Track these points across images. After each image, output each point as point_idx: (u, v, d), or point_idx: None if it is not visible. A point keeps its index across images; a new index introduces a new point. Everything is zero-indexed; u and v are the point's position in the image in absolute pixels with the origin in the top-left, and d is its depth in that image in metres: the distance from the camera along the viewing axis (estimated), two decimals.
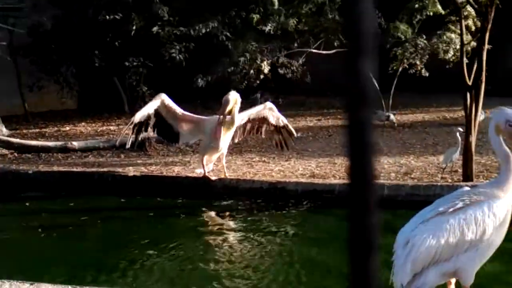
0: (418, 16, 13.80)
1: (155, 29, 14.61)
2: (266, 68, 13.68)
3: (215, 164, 10.45)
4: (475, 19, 11.70)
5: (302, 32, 15.24)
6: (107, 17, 15.33)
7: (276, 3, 13.87)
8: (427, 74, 14.59)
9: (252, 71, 13.63)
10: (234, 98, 9.58)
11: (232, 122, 9.70)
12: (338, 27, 14.28)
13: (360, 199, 0.69)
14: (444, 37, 13.36)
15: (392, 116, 14.19)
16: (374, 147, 0.69)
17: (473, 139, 9.04)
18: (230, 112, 9.58)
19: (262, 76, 13.95)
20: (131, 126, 9.95)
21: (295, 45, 15.01)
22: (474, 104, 8.90)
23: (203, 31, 14.20)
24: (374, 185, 0.68)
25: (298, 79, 15.12)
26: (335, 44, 14.75)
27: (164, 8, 14.62)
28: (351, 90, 0.68)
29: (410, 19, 14.02)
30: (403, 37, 14.46)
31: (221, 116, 9.55)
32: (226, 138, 9.81)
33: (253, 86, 15.70)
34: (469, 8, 10.43)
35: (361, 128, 0.68)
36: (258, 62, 13.57)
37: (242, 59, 13.50)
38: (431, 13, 13.13)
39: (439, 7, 12.64)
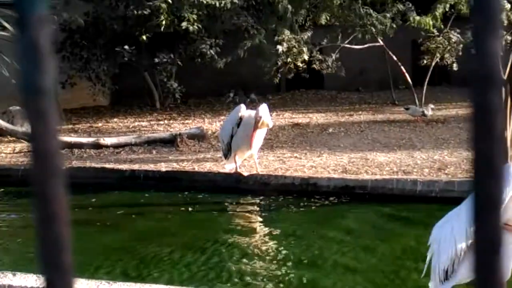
0: (444, 8, 13.62)
1: (184, 24, 14.63)
2: (305, 55, 13.60)
3: (247, 160, 10.45)
4: (509, 13, 11.54)
5: (333, 27, 15.16)
6: (135, 12, 15.40)
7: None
8: (456, 69, 14.40)
9: (289, 59, 13.56)
10: (264, 111, 9.64)
11: (265, 124, 9.78)
12: (369, 22, 14.16)
13: (485, 192, 0.65)
14: None
15: (429, 111, 14.02)
16: (501, 134, 0.65)
17: (508, 133, 8.93)
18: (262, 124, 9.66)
19: (300, 65, 13.89)
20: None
21: (325, 41, 14.92)
22: (509, 99, 8.79)
23: (232, 21, 14.18)
24: (501, 177, 0.64)
25: (332, 73, 15.03)
26: (367, 38, 14.63)
27: (192, 15, 14.60)
28: (479, 72, 0.64)
29: (442, 13, 13.84)
30: (435, 31, 14.31)
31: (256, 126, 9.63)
32: (258, 138, 9.83)
33: (286, 81, 15.67)
34: (504, 1, 10.27)
35: (488, 110, 0.64)
36: (297, 50, 13.50)
37: (280, 48, 13.41)
38: (466, 9, 12.96)
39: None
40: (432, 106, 14.28)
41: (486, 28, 0.64)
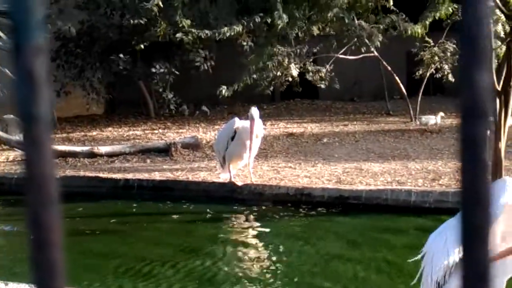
0: (433, 18, 13.65)
1: (179, 35, 14.63)
2: (294, 71, 13.60)
3: (241, 170, 10.45)
4: (504, 24, 11.57)
5: (327, 37, 15.19)
6: (131, 21, 15.41)
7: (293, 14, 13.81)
8: (453, 80, 14.46)
9: (278, 73, 13.57)
10: (257, 113, 9.67)
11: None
12: (363, 33, 14.19)
13: (473, 221, 0.65)
14: None
15: (439, 120, 14.05)
16: (487, 163, 0.66)
17: (502, 145, 8.94)
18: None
19: (290, 79, 13.90)
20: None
21: (317, 49, 14.94)
22: (503, 110, 8.81)
23: (228, 34, 14.17)
24: (488, 205, 0.65)
25: (326, 85, 15.03)
26: (363, 49, 14.66)
27: (185, 21, 14.58)
28: (466, 103, 0.64)
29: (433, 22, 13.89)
30: (431, 41, 14.37)
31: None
32: (253, 147, 9.81)
33: (280, 91, 15.67)
34: (498, 12, 10.31)
35: (476, 143, 0.64)
36: (286, 65, 13.51)
37: (270, 63, 13.43)
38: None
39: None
40: (442, 114, 14.29)
41: (474, 61, 0.64)
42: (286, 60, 13.61)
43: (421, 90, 15.35)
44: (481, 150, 0.62)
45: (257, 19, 14.42)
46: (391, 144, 13.09)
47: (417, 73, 14.97)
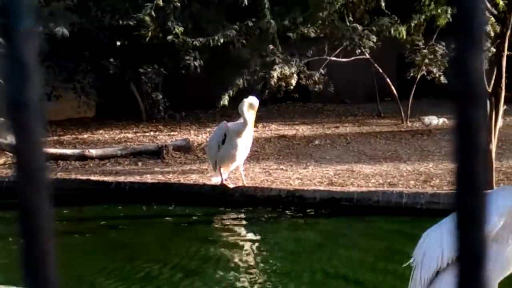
0: (419, 20, 13.67)
1: (170, 37, 14.60)
2: (293, 81, 13.61)
3: (232, 172, 10.43)
4: (494, 25, 11.62)
5: (320, 39, 15.18)
6: (120, 22, 15.36)
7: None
8: (446, 81, 14.48)
9: (282, 83, 13.57)
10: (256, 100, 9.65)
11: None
12: (355, 35, 14.20)
13: (468, 209, 0.65)
14: None
15: (441, 121, 13.99)
16: (484, 151, 0.65)
17: (493, 146, 8.97)
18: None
19: (291, 88, 13.89)
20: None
21: (311, 52, 14.93)
22: (494, 111, 8.84)
23: (221, 41, 14.16)
24: (484, 193, 0.64)
25: (320, 89, 15.04)
26: (357, 51, 14.68)
27: (178, 27, 14.54)
28: (461, 91, 0.64)
29: (418, 25, 13.91)
30: (421, 44, 14.41)
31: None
32: (243, 147, 9.77)
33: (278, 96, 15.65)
34: (487, 14, 10.34)
35: (471, 131, 0.64)
36: (288, 74, 13.49)
37: (275, 74, 13.36)
38: (447, 19, 13.01)
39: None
40: (446, 117, 14.23)
41: (468, 44, 0.64)
42: (288, 69, 13.58)
43: (412, 92, 15.38)
44: (477, 135, 0.62)
45: (250, 24, 14.42)
46: (383, 146, 13.10)
47: (408, 75, 15.00)
